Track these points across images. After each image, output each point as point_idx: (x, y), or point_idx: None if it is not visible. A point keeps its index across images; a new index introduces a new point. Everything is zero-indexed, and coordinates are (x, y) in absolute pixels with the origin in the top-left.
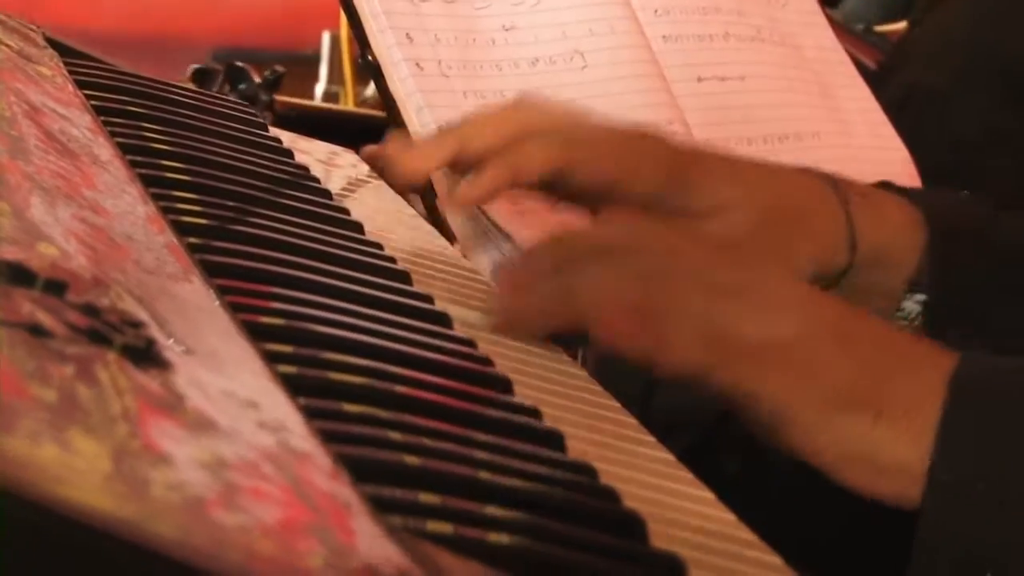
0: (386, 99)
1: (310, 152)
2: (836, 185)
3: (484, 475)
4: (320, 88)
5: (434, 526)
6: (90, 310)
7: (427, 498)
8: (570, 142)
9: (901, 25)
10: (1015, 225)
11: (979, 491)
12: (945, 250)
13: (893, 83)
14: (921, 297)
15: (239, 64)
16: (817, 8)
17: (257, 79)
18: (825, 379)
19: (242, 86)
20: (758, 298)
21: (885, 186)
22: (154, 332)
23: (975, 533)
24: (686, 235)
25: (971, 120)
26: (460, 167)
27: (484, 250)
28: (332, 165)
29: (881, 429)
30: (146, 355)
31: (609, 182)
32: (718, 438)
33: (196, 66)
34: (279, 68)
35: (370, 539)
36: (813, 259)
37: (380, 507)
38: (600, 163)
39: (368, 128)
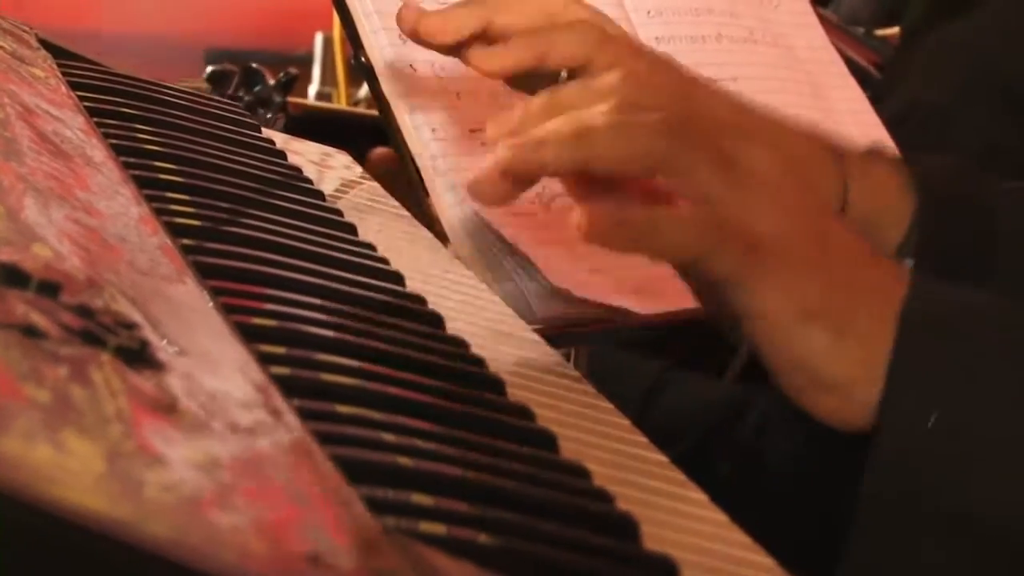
0: (379, 100)
1: (303, 153)
2: (837, 154)
3: (477, 476)
4: (313, 89)
5: (427, 527)
6: (84, 311)
7: (420, 499)
8: (602, 41)
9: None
10: (1007, 193)
11: (931, 424)
12: (934, 218)
13: (893, 98)
14: (909, 263)
15: (254, 66)
16: (809, 9)
17: (271, 81)
18: (801, 286)
19: (257, 88)
20: (757, 191)
21: (876, 152)
22: (148, 333)
23: (926, 465)
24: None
25: (971, 136)
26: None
27: (478, 252)
28: (325, 166)
29: (839, 347)
30: (140, 356)
31: None
32: (712, 443)
33: (212, 68)
34: (292, 70)
35: (364, 540)
36: None
37: (373, 508)
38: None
39: (378, 130)
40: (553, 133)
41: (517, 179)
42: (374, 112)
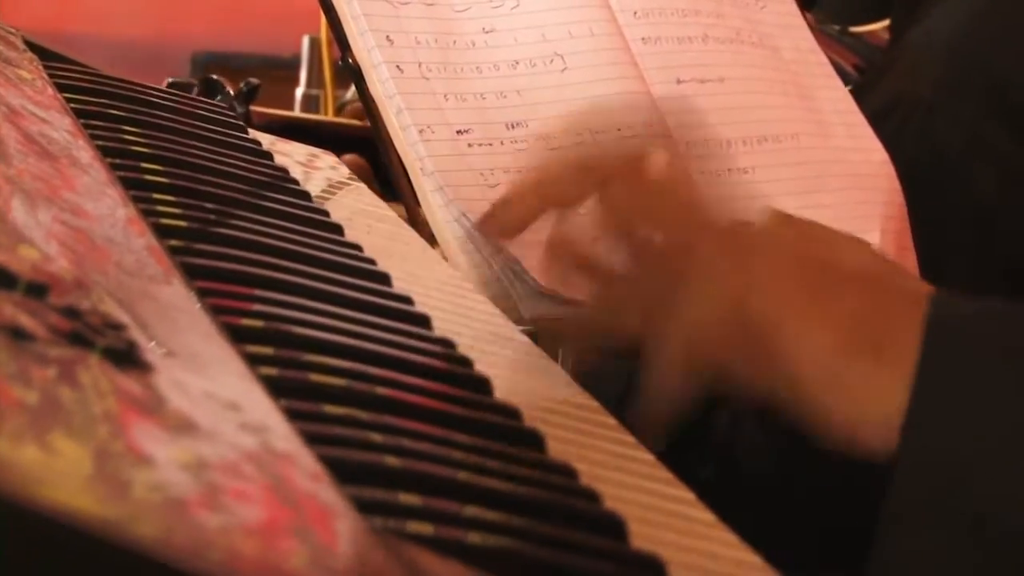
0: (366, 102)
1: (289, 154)
2: None
3: (464, 476)
4: (300, 92)
5: (415, 527)
6: (71, 313)
7: (408, 499)
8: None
9: (878, 26)
10: None
11: (956, 438)
12: None
13: (877, 92)
14: None
15: (214, 77)
16: (795, 10)
17: (232, 91)
18: (833, 322)
19: (217, 99)
20: (772, 247)
21: None
22: (135, 334)
23: (952, 481)
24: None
25: (955, 130)
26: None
27: (466, 253)
28: (311, 167)
29: (880, 371)
30: (128, 357)
31: None
32: (692, 445)
33: (171, 79)
34: (253, 80)
35: (352, 540)
36: None
37: (361, 508)
38: None
39: (345, 137)
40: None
41: None
42: (339, 120)
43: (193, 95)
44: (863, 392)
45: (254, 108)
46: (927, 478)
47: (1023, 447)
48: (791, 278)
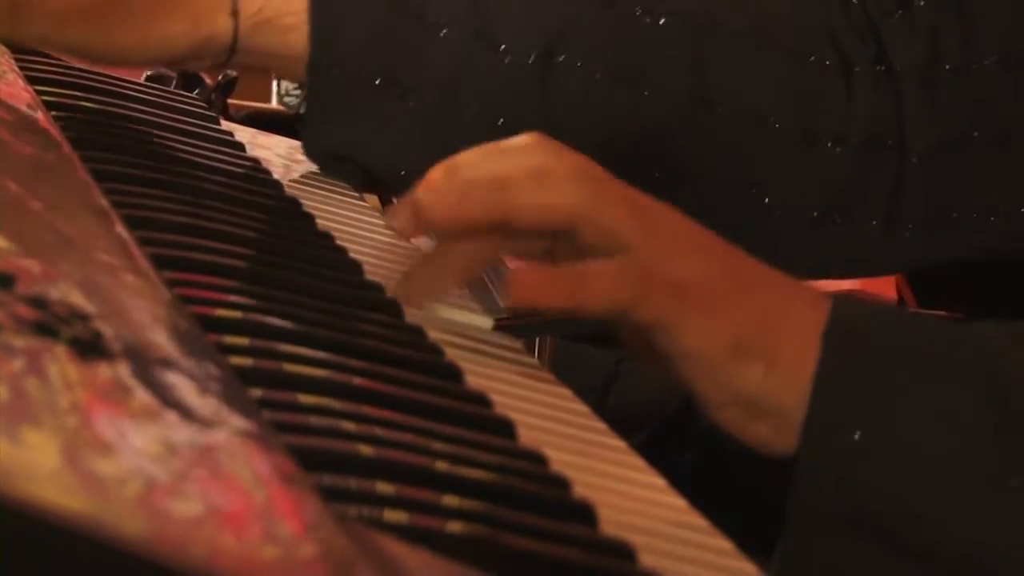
0: None
1: (270, 147)
2: None
3: (439, 465)
4: (276, 84)
5: (390, 515)
6: (37, 302)
7: (383, 488)
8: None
9: None
10: None
11: (855, 438)
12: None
13: None
14: None
15: (192, 71)
16: None
17: (210, 84)
18: (728, 322)
19: (196, 91)
20: (672, 238)
21: None
22: (101, 324)
23: (851, 481)
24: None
25: None
26: None
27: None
28: (293, 160)
29: (771, 376)
30: (94, 347)
31: None
32: (673, 434)
33: (149, 72)
34: (231, 72)
35: (321, 529)
36: (186, 33)
37: (336, 497)
38: None
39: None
40: (474, 182)
41: (437, 228)
42: None
43: (172, 88)
44: (755, 387)
45: (231, 101)
46: (824, 479)
47: (919, 448)
48: (691, 274)
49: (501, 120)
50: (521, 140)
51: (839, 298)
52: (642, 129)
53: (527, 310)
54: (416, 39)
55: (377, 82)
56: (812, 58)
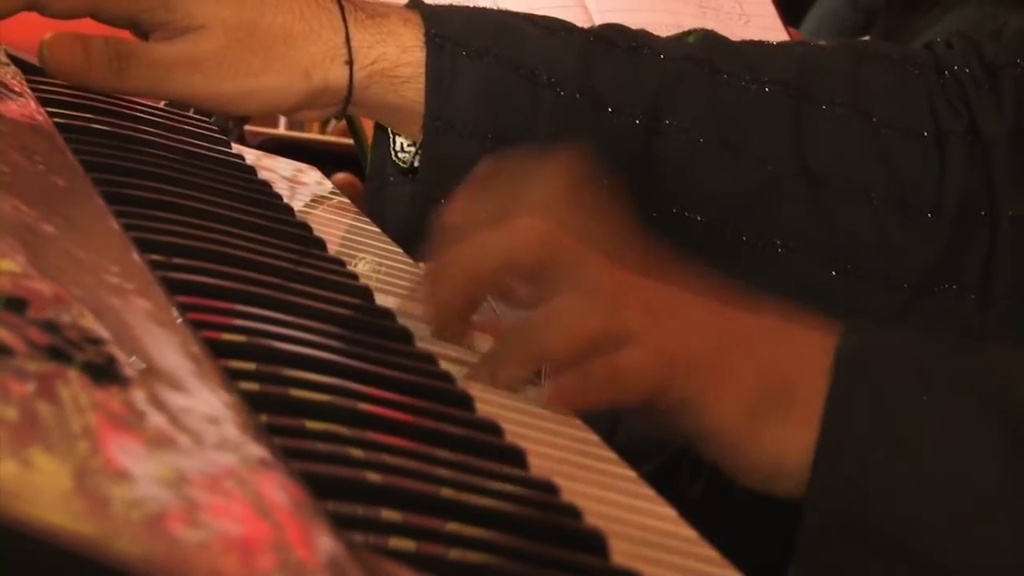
0: (349, 118)
1: (275, 169)
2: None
3: (446, 492)
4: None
5: (396, 543)
6: (50, 327)
7: (389, 515)
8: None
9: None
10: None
11: (864, 466)
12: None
13: None
14: None
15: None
16: (780, 24)
17: None
18: (740, 389)
19: (213, 117)
20: (678, 318)
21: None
22: (114, 349)
23: (861, 508)
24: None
25: None
26: None
27: None
28: (297, 182)
29: (788, 431)
30: (106, 372)
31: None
32: (681, 465)
33: None
34: None
35: (331, 556)
36: (299, 83)
37: (342, 524)
38: None
39: (336, 156)
40: (511, 348)
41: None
42: (333, 138)
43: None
44: (776, 448)
45: (248, 128)
46: (835, 506)
47: (930, 474)
48: (698, 348)
49: (605, 181)
50: (527, 230)
51: (846, 326)
52: (742, 195)
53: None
54: (527, 97)
55: (489, 137)
56: (910, 130)
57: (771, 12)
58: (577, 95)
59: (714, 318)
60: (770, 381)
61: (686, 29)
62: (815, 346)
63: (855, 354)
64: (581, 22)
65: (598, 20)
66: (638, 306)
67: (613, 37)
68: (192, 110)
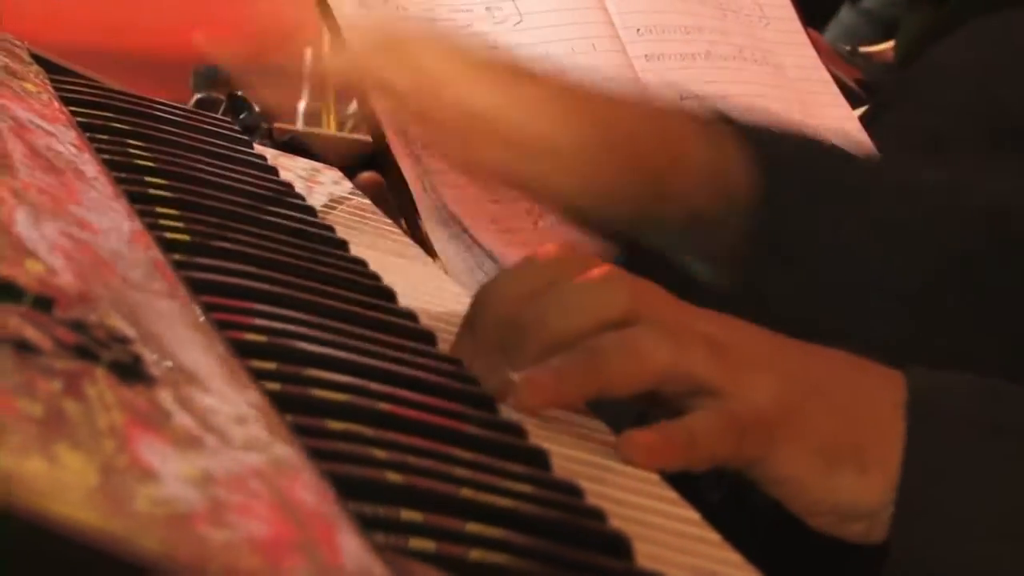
0: (369, 117)
1: (292, 169)
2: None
3: (467, 493)
4: (302, 105)
5: (417, 543)
6: (77, 326)
7: (410, 515)
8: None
9: (885, 46)
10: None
11: (944, 516)
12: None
13: (888, 120)
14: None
15: (239, 94)
16: (799, 27)
17: (258, 108)
18: (814, 439)
19: (243, 115)
20: (749, 368)
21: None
22: (141, 348)
23: (943, 564)
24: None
25: (964, 161)
26: None
27: (467, 268)
28: (314, 182)
29: (864, 480)
30: (133, 371)
31: None
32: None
33: (199, 95)
34: None
35: (356, 556)
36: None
37: (363, 524)
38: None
39: (365, 155)
40: (567, 370)
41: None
42: (360, 136)
43: (219, 112)
44: (850, 494)
45: (277, 125)
46: (916, 563)
47: (1012, 528)
48: (772, 405)
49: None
50: (598, 281)
51: (913, 372)
52: None
53: None
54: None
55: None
56: None
57: (791, 15)
58: None
59: (786, 359)
60: (845, 426)
61: (706, 32)
62: (887, 391)
63: (927, 393)
64: (601, 23)
65: (618, 22)
66: (710, 352)
67: None
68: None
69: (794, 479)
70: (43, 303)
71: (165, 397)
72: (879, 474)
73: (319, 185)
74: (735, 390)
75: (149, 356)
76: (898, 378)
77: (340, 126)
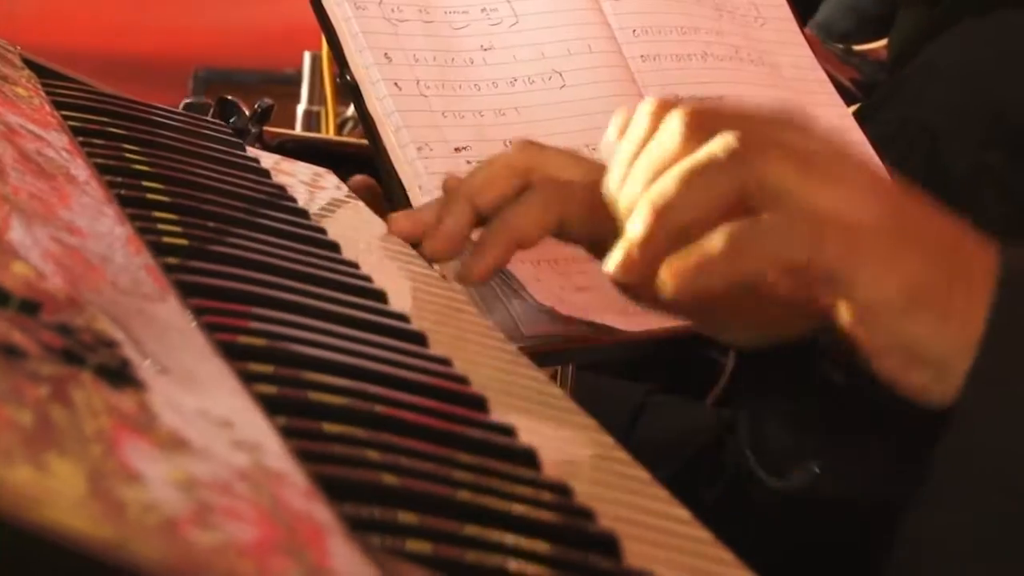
0: (364, 119)
1: (294, 174)
2: None
3: (463, 494)
4: (301, 108)
5: (413, 545)
6: (64, 330)
7: (405, 517)
8: (564, 196)
9: (878, 44)
10: None
11: (1016, 392)
12: None
13: (882, 117)
14: None
15: (228, 98)
16: (795, 27)
17: (247, 112)
18: (902, 272)
19: (233, 119)
20: (842, 180)
21: None
22: (129, 352)
23: (1010, 438)
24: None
25: (960, 155)
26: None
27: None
28: (316, 187)
29: (943, 327)
30: (120, 374)
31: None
32: (700, 469)
33: (188, 100)
34: (267, 100)
35: (346, 559)
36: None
37: (359, 527)
38: (592, 214)
39: (356, 156)
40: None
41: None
42: (352, 140)
43: (209, 116)
44: (926, 335)
45: (268, 128)
46: (981, 431)
47: None
48: (866, 219)
49: None
50: (674, 127)
51: (1010, 250)
52: None
53: (550, 339)
54: None
55: None
56: None
57: (787, 15)
58: None
59: (890, 194)
60: (935, 269)
61: (702, 32)
62: (980, 257)
63: (1020, 276)
64: (597, 24)
65: (614, 23)
66: (790, 152)
67: None
68: (211, 112)
69: (872, 308)
70: (29, 307)
71: (152, 401)
72: (959, 327)
73: (321, 190)
74: (821, 192)
75: (137, 360)
76: (994, 251)
77: (339, 129)
